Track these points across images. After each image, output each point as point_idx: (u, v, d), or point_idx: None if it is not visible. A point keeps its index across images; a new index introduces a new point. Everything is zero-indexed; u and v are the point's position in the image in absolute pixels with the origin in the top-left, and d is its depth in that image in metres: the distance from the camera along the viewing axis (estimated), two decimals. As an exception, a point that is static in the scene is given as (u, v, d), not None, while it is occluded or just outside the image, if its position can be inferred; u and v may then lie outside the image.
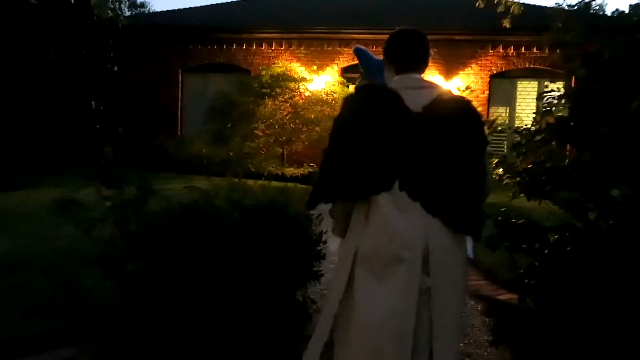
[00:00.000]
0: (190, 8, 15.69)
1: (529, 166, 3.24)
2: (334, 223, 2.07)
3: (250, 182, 9.22)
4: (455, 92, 12.35)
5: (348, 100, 2.08)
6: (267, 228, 3.16)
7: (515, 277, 3.05)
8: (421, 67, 2.13)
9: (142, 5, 20.29)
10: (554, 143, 3.41)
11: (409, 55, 2.11)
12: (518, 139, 3.61)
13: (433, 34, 12.73)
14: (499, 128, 10.74)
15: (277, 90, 11.58)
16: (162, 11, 16.56)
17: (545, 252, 2.90)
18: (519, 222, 3.02)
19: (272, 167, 11.04)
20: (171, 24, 13.96)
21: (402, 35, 2.17)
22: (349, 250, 1.96)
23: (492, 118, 11.03)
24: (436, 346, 1.84)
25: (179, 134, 13.56)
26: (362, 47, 3.30)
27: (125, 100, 13.44)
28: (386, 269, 1.86)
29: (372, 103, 2.00)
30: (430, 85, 2.11)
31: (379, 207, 1.89)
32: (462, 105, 2.07)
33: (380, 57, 2.39)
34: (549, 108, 3.54)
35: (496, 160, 10.86)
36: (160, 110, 13.47)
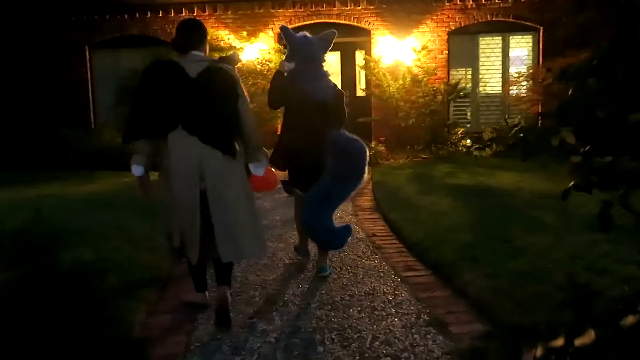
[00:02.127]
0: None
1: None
2: (136, 156, 3.06)
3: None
4: (408, 53, 10.79)
5: (148, 69, 3.07)
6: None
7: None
8: (200, 47, 3.09)
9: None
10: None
11: (190, 39, 3.09)
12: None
13: None
14: (462, 93, 9.12)
15: (200, 62, 9.64)
16: None
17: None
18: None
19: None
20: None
21: (185, 24, 3.19)
22: (165, 169, 3.05)
23: (453, 81, 9.47)
24: (216, 231, 3.04)
25: (92, 122, 11.49)
26: (285, 25, 4.17)
27: (23, 85, 11.23)
28: (182, 179, 3.00)
29: (162, 71, 3.06)
30: (205, 59, 3.09)
31: (171, 141, 2.98)
32: (223, 72, 3.06)
33: (302, 33, 3.96)
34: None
35: (461, 130, 8.93)
36: (66, 96, 11.34)
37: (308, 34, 3.96)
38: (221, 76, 3.03)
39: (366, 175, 3.81)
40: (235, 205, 3.06)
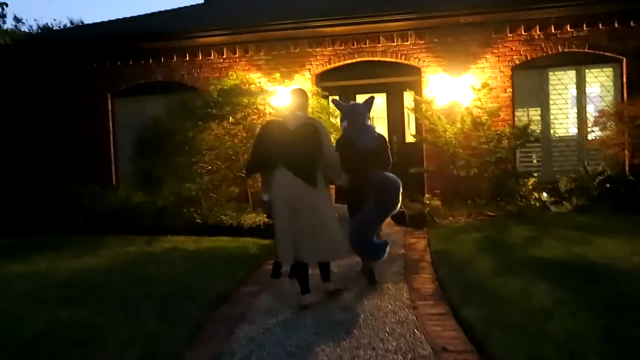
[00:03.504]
0: (118, 19, 12.62)
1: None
2: (263, 188, 4.61)
3: (191, 240, 7.07)
4: (465, 92, 9.33)
5: (263, 126, 4.71)
6: None
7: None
8: (302, 108, 4.55)
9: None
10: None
11: (295, 103, 4.54)
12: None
13: (426, 19, 9.04)
14: (533, 138, 7.42)
15: (227, 109, 8.46)
16: (76, 26, 13.54)
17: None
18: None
19: (225, 216, 7.87)
20: (91, 36, 10.91)
21: (294, 93, 4.61)
22: (271, 195, 4.45)
23: (519, 123, 7.88)
24: (303, 244, 4.36)
25: (112, 176, 10.45)
26: (335, 99, 5.61)
27: (40, 138, 10.35)
28: (282, 202, 4.35)
29: (272, 126, 4.57)
30: (301, 117, 4.49)
31: (276, 175, 4.37)
32: (311, 126, 4.43)
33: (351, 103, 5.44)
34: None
35: (532, 180, 7.06)
36: (87, 148, 10.39)
37: (354, 102, 5.82)
38: (309, 129, 4.39)
39: (398, 205, 4.91)
40: (321, 220, 4.39)
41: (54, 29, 18.91)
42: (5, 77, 10.36)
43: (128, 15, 14.05)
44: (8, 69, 10.52)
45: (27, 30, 19.71)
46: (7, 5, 9.87)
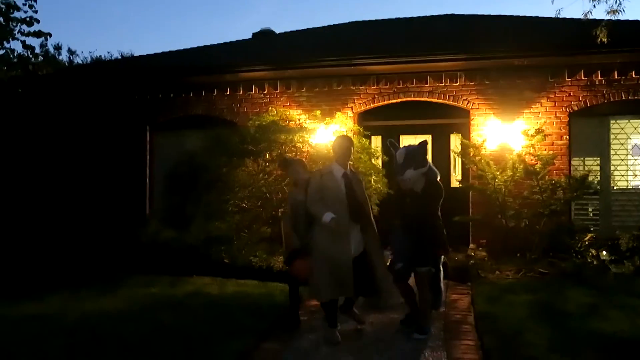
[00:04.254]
0: (163, 52, 12.63)
1: None
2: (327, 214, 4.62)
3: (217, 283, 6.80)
4: (516, 138, 8.76)
5: (315, 174, 4.97)
6: None
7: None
8: (345, 160, 4.89)
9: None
10: None
11: (340, 154, 4.87)
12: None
13: (478, 59, 8.43)
14: (591, 190, 6.72)
15: (263, 145, 8.14)
16: (117, 59, 13.72)
17: None
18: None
19: (255, 257, 7.45)
20: (131, 68, 10.90)
21: (337, 139, 5.02)
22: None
23: (576, 173, 7.18)
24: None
25: (146, 210, 10.23)
26: (393, 141, 5.19)
27: (75, 172, 10.28)
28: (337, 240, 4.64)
29: (323, 174, 4.85)
30: (343, 166, 4.84)
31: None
32: (354, 174, 5.01)
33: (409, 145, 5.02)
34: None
35: (589, 235, 6.29)
36: (123, 181, 10.24)
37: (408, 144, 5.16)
38: (354, 176, 4.94)
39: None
40: (371, 258, 4.77)
41: (105, 60, 19.30)
42: (44, 106, 10.39)
43: (180, 48, 14.12)
44: (48, 98, 10.55)
45: (80, 62, 20.28)
46: (50, 35, 9.89)
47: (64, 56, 20.77)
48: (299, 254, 4.92)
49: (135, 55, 17.88)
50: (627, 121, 8.57)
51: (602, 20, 6.88)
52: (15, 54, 9.94)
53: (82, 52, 48.39)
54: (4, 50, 9.79)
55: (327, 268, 4.58)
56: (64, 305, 5.46)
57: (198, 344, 4.32)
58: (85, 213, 9.59)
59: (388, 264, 5.01)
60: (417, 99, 9.16)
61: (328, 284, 4.57)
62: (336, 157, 4.87)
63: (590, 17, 6.99)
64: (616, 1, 6.64)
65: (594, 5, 7.14)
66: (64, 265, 7.80)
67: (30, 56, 9.96)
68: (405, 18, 13.50)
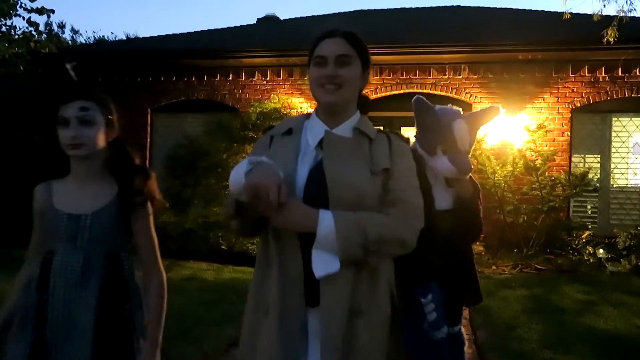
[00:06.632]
0: (167, 35, 12.54)
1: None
2: None
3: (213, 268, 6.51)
4: (518, 133, 8.75)
5: None
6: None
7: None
8: None
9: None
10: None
11: None
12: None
13: (481, 53, 8.39)
14: (591, 188, 6.72)
15: (264, 132, 8.11)
16: (121, 40, 13.55)
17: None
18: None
19: (252, 244, 7.47)
20: (134, 49, 10.84)
21: None
22: None
23: (576, 170, 7.16)
24: None
25: (145, 193, 10.21)
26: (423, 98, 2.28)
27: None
28: None
29: None
30: None
31: None
32: None
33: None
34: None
35: (587, 233, 6.29)
36: (122, 162, 10.21)
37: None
38: None
39: None
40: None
41: (109, 41, 19.17)
42: (46, 84, 10.35)
43: (183, 31, 14.00)
44: (50, 76, 10.52)
45: (83, 42, 20.15)
46: (53, 12, 9.82)
47: (67, 35, 20.65)
48: None
49: (140, 36, 17.74)
50: (629, 119, 8.55)
51: (612, 16, 6.86)
52: (19, 30, 9.88)
53: (86, 31, 47.98)
54: (6, 28, 9.73)
55: None
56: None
57: (190, 326, 4.33)
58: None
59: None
60: (420, 90, 9.11)
61: None
62: None
63: (601, 14, 6.99)
64: (627, 1, 6.61)
65: (604, 5, 7.12)
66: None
67: (34, 33, 9.86)
68: (411, 8, 13.42)
